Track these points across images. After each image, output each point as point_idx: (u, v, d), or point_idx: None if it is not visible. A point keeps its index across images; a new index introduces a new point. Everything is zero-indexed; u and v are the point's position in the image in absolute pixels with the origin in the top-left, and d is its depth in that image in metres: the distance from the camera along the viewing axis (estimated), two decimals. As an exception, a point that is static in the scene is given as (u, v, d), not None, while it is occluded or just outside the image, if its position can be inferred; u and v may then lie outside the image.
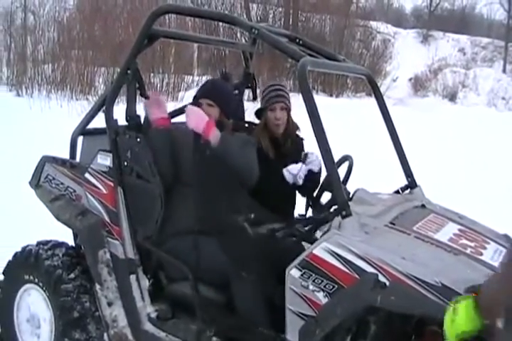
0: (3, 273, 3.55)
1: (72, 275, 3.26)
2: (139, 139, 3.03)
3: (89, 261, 3.19)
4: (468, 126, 13.28)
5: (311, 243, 2.62)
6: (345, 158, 3.40)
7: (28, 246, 3.46)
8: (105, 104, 3.20)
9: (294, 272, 2.55)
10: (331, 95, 17.76)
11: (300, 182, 3.37)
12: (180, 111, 3.62)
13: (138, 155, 3.03)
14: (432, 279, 2.29)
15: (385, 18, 29.54)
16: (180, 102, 10.98)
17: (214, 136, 2.93)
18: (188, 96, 11.74)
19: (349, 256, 2.45)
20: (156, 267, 3.13)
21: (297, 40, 3.15)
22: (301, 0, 20.53)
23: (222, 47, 12.37)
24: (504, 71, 24.52)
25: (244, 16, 18.58)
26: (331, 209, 2.86)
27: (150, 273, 3.13)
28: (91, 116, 3.53)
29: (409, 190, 3.34)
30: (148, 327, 3.06)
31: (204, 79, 12.03)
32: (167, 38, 3.31)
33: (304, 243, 2.87)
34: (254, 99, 3.95)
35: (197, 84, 13.77)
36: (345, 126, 10.84)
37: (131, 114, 3.10)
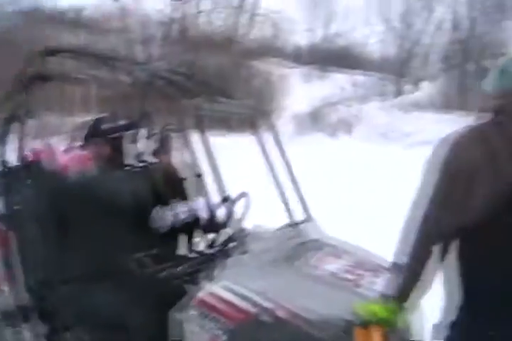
0: None
1: None
2: (29, 181, 2.94)
3: None
4: (356, 162, 13.64)
5: (196, 283, 2.65)
6: (242, 194, 3.45)
7: None
8: None
9: (180, 315, 2.56)
10: (223, 133, 17.84)
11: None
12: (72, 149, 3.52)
13: (28, 198, 2.94)
14: (316, 314, 2.33)
15: (269, 57, 29.96)
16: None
17: (84, 167, 2.92)
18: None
19: (241, 293, 2.48)
20: (50, 313, 3.00)
21: (189, 78, 3.20)
22: (187, 39, 20.73)
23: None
24: (395, 106, 25.04)
25: (130, 57, 18.57)
26: (226, 246, 2.88)
27: (45, 319, 3.00)
28: None
29: (302, 223, 3.40)
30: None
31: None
32: (44, 78, 3.16)
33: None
34: (148, 137, 3.94)
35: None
36: (238, 162, 10.92)
37: (20, 156, 3.00)
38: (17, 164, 3.06)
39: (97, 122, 3.38)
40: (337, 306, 2.39)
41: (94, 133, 3.21)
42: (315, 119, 22.65)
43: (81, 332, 2.88)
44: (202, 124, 2.71)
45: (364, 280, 2.76)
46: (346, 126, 21.78)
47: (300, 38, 32.92)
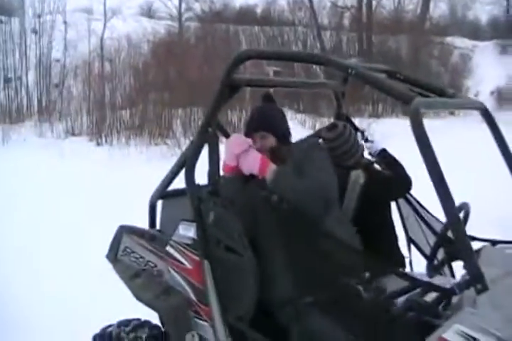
0: (83, 359, 3.22)
1: None
2: (226, 206, 2.65)
3: None
4: None
5: (435, 317, 2.21)
6: (462, 206, 2.92)
7: (108, 327, 3.15)
8: (186, 167, 2.83)
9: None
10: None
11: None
12: None
13: (225, 225, 2.65)
14: None
15: (460, 32, 28.78)
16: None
17: (271, 171, 2.63)
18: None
19: None
20: None
21: (397, 76, 2.73)
22: (374, 22, 20.20)
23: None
24: None
25: (318, 45, 18.39)
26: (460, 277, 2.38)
27: None
28: (170, 178, 3.18)
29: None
30: None
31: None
32: (250, 86, 2.96)
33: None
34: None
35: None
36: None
37: (214, 177, 2.73)
38: (208, 184, 2.79)
39: (254, 114, 3.01)
40: None
41: (254, 128, 2.88)
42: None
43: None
44: (422, 130, 2.22)
45: None
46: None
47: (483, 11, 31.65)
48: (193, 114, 13.52)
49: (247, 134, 2.90)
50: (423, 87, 2.69)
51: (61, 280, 5.51)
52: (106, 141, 12.78)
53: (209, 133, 2.74)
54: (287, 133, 2.98)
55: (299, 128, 13.30)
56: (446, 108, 2.86)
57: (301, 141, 3.00)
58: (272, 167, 2.64)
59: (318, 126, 12.52)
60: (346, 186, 3.16)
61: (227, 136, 3.05)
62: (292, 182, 2.63)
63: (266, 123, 2.88)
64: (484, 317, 2.02)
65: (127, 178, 9.21)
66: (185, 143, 12.02)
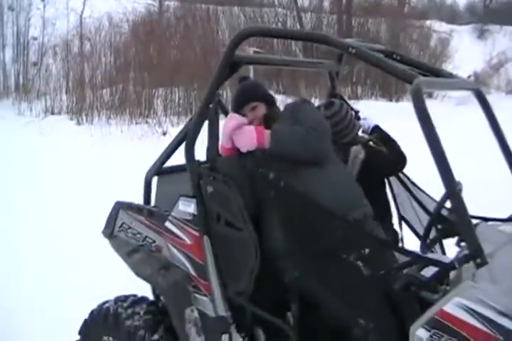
0: (79, 333, 3.22)
1: (155, 337, 2.90)
2: (225, 181, 2.67)
3: (174, 321, 2.83)
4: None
5: (435, 292, 2.26)
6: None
7: (105, 303, 3.15)
8: (186, 142, 2.82)
9: (421, 333, 2.12)
10: (391, 100, 17.19)
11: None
12: None
13: (224, 199, 2.66)
14: None
15: (439, 16, 28.85)
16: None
17: (268, 135, 2.69)
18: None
19: (489, 313, 2.01)
20: (251, 324, 2.72)
21: (394, 56, 2.75)
22: (354, 5, 20.14)
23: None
24: None
25: (298, 26, 18.30)
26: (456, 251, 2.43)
27: (245, 331, 2.73)
28: (168, 154, 3.18)
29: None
30: (244, 392, 2.66)
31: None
32: (251, 64, 2.98)
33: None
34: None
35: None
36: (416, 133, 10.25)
37: (213, 153, 2.74)
38: (206, 160, 2.80)
39: (238, 91, 3.08)
40: None
41: (242, 103, 2.95)
42: (492, 77, 21.23)
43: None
44: (425, 110, 2.23)
45: None
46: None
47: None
48: (174, 93, 13.50)
49: (237, 111, 2.95)
50: (420, 68, 2.71)
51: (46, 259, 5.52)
52: (86, 120, 12.68)
53: (209, 110, 2.75)
54: (274, 98, 3.08)
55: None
56: (445, 88, 2.85)
57: (287, 104, 3.08)
58: (268, 132, 2.71)
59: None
60: (346, 162, 3.20)
61: (226, 113, 3.06)
62: (291, 130, 2.71)
63: (254, 94, 2.99)
64: (484, 290, 2.06)
65: (109, 156, 9.19)
66: (165, 122, 12.01)
